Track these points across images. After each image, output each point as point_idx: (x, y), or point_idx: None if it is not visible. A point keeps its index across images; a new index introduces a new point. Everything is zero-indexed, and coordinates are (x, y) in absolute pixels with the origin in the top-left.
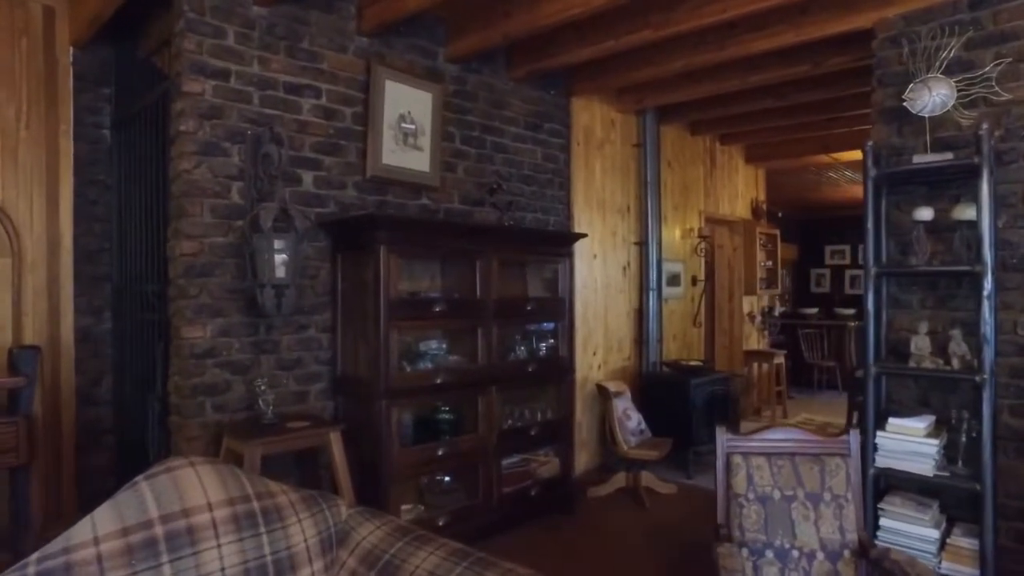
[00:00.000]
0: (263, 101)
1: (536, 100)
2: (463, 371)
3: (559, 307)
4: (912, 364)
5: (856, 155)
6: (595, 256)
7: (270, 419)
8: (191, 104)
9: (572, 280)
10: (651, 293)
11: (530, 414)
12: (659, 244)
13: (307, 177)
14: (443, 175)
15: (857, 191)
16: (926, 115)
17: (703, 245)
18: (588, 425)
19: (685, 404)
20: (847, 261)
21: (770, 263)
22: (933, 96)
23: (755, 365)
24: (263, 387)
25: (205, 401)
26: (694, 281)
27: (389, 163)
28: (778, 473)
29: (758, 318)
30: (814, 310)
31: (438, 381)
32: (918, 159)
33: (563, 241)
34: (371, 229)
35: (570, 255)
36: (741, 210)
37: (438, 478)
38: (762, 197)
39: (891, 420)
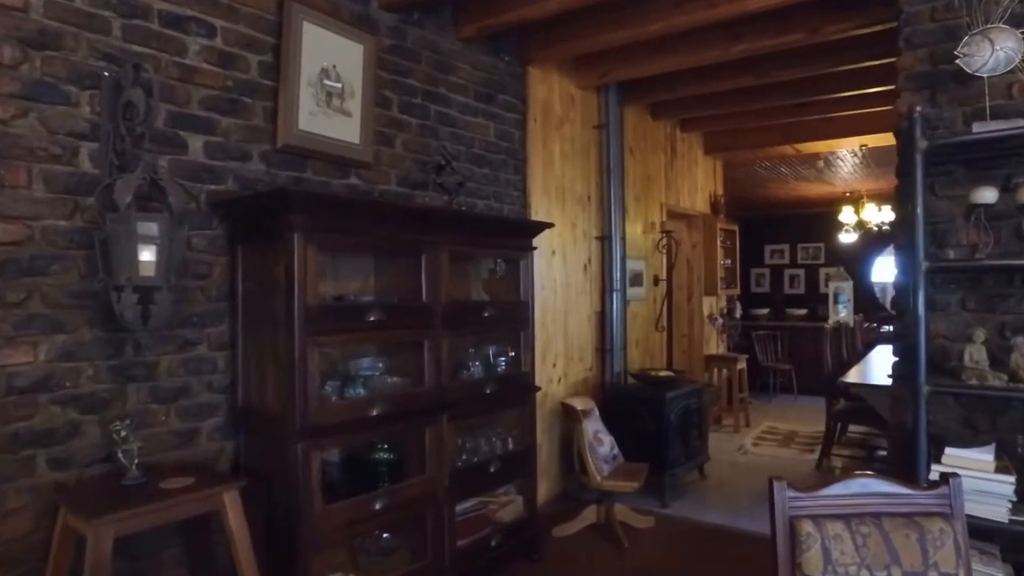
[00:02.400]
0: (128, 33)
1: (488, 67)
2: (406, 397)
3: (520, 312)
4: (971, 381)
5: (819, 147)
6: (554, 252)
7: (134, 478)
8: (7, 23)
9: (533, 279)
10: (614, 294)
11: (488, 445)
12: (623, 239)
13: (195, 142)
14: (377, 149)
15: (807, 189)
16: (985, 75)
17: (664, 241)
18: (548, 448)
19: (660, 422)
20: (786, 260)
21: (729, 261)
22: (997, 51)
23: (715, 371)
24: (123, 432)
25: (36, 455)
26: (656, 281)
27: (308, 130)
28: (863, 545)
29: (719, 320)
30: (765, 311)
31: (374, 412)
32: (980, 127)
33: (526, 231)
34: (281, 210)
35: (532, 249)
36: (701, 204)
37: (377, 536)
38: (720, 191)
39: (949, 451)
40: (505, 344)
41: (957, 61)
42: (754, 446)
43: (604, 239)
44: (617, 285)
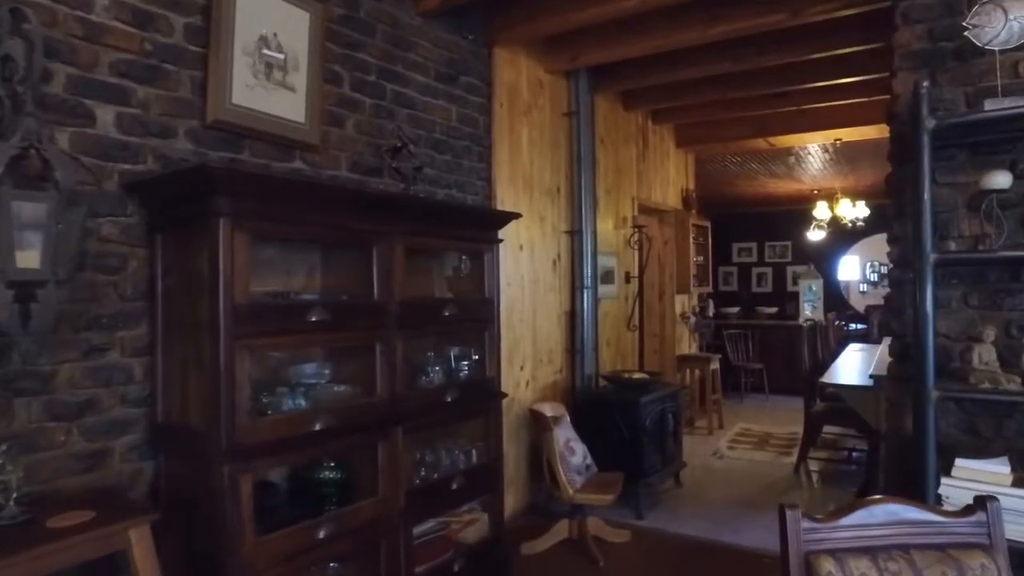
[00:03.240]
0: None
1: (450, 45)
2: (356, 408)
3: (485, 311)
4: (984, 384)
5: (793, 141)
6: (521, 247)
7: (11, 516)
8: None
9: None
10: (585, 292)
11: (449, 459)
12: (594, 234)
13: (104, 114)
14: (326, 130)
15: (775, 186)
16: (997, 47)
17: (636, 236)
18: (516, 457)
19: (634, 428)
20: (754, 259)
21: (701, 258)
22: (1011, 21)
23: (688, 371)
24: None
25: None
26: (628, 278)
27: (244, 104)
28: None
29: (692, 319)
30: (735, 309)
31: (317, 427)
32: (993, 104)
33: (491, 222)
34: (204, 192)
35: (498, 242)
36: (673, 199)
37: (323, 567)
38: (692, 186)
39: (959, 463)
40: (468, 347)
41: (966, 33)
42: (729, 449)
43: (574, 233)
44: (588, 282)
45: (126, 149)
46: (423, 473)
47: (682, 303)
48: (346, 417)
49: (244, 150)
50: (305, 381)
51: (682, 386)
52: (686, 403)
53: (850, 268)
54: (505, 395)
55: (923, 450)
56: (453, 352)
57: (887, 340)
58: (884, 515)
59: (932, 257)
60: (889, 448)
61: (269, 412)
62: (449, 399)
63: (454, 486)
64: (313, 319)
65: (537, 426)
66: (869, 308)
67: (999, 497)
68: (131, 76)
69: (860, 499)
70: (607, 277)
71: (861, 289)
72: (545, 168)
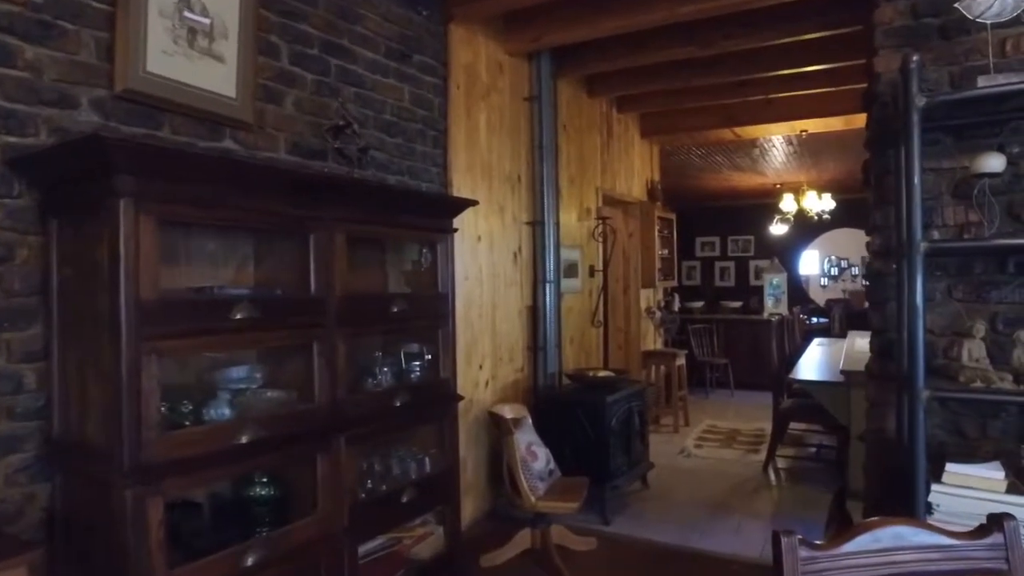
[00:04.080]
0: None
1: (402, 20)
2: (291, 416)
3: (438, 306)
4: (976, 383)
5: (759, 131)
6: (479, 238)
7: None
8: None
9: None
10: (547, 286)
11: (400, 469)
12: (556, 225)
13: None
14: (261, 107)
15: (739, 180)
16: (989, 20)
17: (601, 228)
18: (475, 462)
19: (600, 429)
20: (717, 253)
21: (666, 251)
22: None
23: (653, 367)
24: None
25: None
26: (592, 271)
27: (161, 73)
28: None
29: (657, 314)
30: (699, 304)
31: (243, 439)
32: (985, 81)
33: (445, 209)
34: (102, 168)
35: (452, 231)
36: (637, 190)
37: None
38: (657, 177)
39: (950, 467)
40: (420, 346)
41: (957, 5)
42: (696, 448)
43: (536, 224)
44: (550, 276)
45: (12, 119)
46: (370, 485)
47: (647, 297)
48: (280, 426)
49: (163, 126)
50: (232, 387)
51: (648, 383)
52: (652, 401)
53: (810, 263)
54: (461, 397)
55: (912, 455)
56: (404, 352)
57: (852, 334)
58: (890, 539)
59: (922, 246)
60: (870, 450)
61: (187, 424)
62: (399, 403)
63: (405, 498)
64: (238, 316)
65: (496, 430)
66: (830, 302)
67: (994, 504)
68: (17, 32)
69: (863, 522)
70: (570, 271)
71: (822, 283)
72: (505, 155)
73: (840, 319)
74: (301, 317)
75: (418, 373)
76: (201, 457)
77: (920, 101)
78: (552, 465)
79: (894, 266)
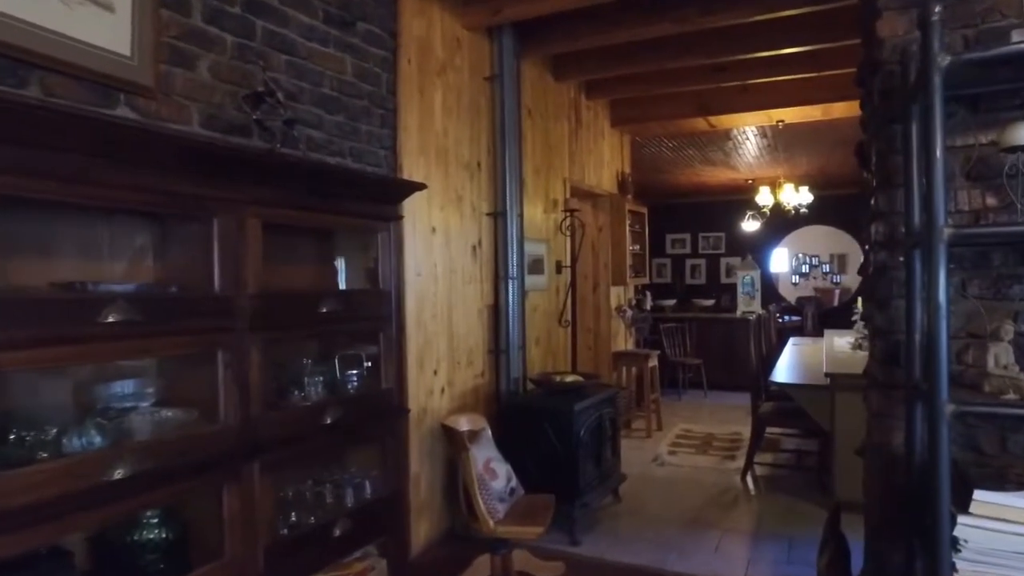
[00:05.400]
0: None
1: None
2: (188, 441)
3: (381, 306)
4: (1008, 395)
5: (735, 121)
6: (434, 230)
7: None
8: None
9: (402, 262)
10: (511, 283)
11: (333, 497)
12: (520, 217)
13: None
14: (167, 70)
15: (710, 175)
16: None
17: (569, 222)
18: (429, 478)
19: (568, 440)
20: (688, 250)
21: (637, 247)
22: None
23: (624, 369)
24: None
25: None
26: (559, 268)
27: (28, 19)
28: None
29: (628, 312)
30: (671, 302)
31: (117, 475)
32: (1021, 36)
33: (387, 193)
34: None
35: (397, 219)
36: (607, 182)
37: None
38: (628, 169)
39: (979, 496)
40: (360, 351)
41: None
42: (671, 455)
43: (498, 216)
44: (514, 272)
45: None
46: (293, 519)
47: (618, 295)
48: (173, 454)
49: (32, 85)
50: (116, 406)
51: (620, 387)
52: (625, 406)
53: (779, 261)
54: (407, 411)
55: (933, 481)
56: (338, 360)
57: (829, 333)
58: None
59: (946, 233)
60: (871, 466)
61: (43, 456)
62: (330, 420)
63: (338, 531)
64: (110, 320)
65: (452, 445)
66: (801, 300)
67: None
68: None
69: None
70: (536, 266)
71: (793, 281)
72: (463, 139)
73: (813, 317)
74: (201, 320)
75: (356, 383)
76: (55, 501)
77: (943, 60)
78: (514, 483)
79: (901, 258)
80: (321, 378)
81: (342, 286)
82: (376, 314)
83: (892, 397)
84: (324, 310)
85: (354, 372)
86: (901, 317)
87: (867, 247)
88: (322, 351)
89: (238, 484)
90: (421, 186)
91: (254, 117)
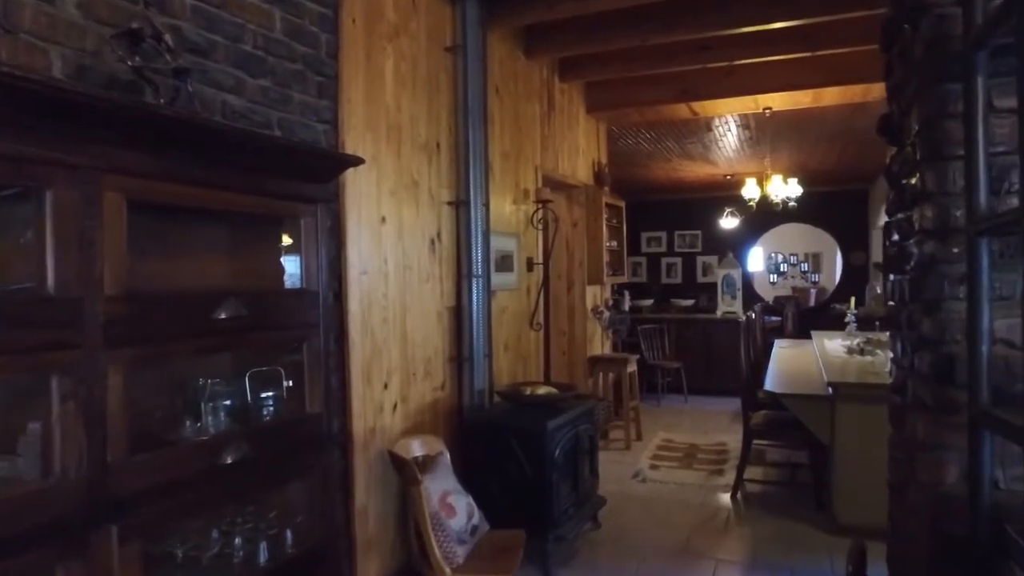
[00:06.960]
0: None
1: None
2: (5, 504)
3: (305, 311)
4: None
5: (719, 108)
6: (384, 219)
7: None
8: None
9: (342, 255)
10: (475, 282)
11: (243, 554)
12: (486, 207)
13: None
14: (16, 3)
15: (687, 171)
16: None
17: (541, 214)
18: (379, 509)
19: (540, 463)
20: (664, 249)
21: (615, 243)
22: None
23: (601, 375)
24: None
25: None
26: (530, 265)
27: None
28: None
29: (605, 314)
30: (648, 302)
31: None
32: None
33: (312, 165)
34: None
35: (327, 201)
36: (583, 173)
37: None
38: (605, 159)
39: None
40: (278, 369)
41: None
42: (652, 469)
43: (460, 205)
44: (479, 270)
45: None
46: None
47: (594, 295)
48: None
49: None
50: None
51: (598, 398)
52: (603, 419)
53: (755, 260)
54: (343, 438)
55: (976, 510)
56: (248, 379)
57: (817, 335)
58: None
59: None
60: (917, 507)
61: None
62: (231, 459)
63: None
64: None
65: (401, 477)
66: (779, 299)
67: None
68: None
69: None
70: (504, 263)
71: (771, 280)
72: (420, 116)
73: (793, 317)
74: (26, 333)
75: (272, 409)
76: None
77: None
78: (476, 519)
79: (955, 250)
80: (229, 402)
81: (249, 285)
82: (299, 321)
83: (944, 423)
84: (223, 316)
85: (270, 394)
86: (955, 323)
87: (890, 240)
88: (237, 369)
89: (83, 560)
90: (358, 160)
91: (130, 63)
